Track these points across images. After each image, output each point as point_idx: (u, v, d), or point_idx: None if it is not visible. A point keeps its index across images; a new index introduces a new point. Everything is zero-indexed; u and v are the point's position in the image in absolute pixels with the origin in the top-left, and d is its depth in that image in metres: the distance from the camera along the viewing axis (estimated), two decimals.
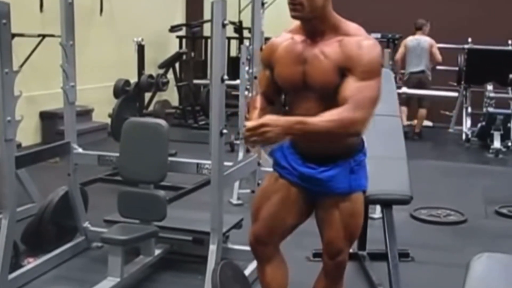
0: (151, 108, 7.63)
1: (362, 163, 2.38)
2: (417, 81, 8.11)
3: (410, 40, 8.26)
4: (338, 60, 2.17)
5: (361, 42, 2.17)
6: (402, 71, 8.19)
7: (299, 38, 2.29)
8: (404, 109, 8.06)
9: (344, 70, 2.16)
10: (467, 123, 8.16)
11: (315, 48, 2.23)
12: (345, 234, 2.38)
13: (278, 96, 2.47)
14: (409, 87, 8.05)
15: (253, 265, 3.24)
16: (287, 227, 2.46)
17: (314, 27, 2.24)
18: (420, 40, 8.20)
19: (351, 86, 2.15)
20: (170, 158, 3.38)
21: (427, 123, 8.83)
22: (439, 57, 8.15)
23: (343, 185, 2.32)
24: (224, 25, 2.94)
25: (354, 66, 2.15)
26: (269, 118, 2.15)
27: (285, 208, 2.41)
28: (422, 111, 8.26)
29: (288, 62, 2.29)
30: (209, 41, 3.90)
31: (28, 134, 6.43)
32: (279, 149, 2.45)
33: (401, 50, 8.32)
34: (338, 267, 2.47)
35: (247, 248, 2.56)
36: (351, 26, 2.24)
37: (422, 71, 8.15)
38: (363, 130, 2.20)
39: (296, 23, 2.30)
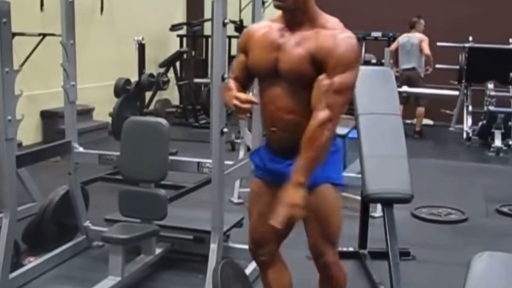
0: (151, 107, 7.61)
1: (332, 156, 2.31)
2: (407, 78, 8.09)
3: (402, 37, 8.30)
4: (312, 50, 2.18)
5: (336, 35, 2.18)
6: (396, 69, 8.17)
7: (277, 26, 2.30)
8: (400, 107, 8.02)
9: (316, 62, 2.17)
10: (468, 121, 8.15)
11: (291, 37, 2.25)
12: (321, 232, 2.34)
13: (249, 83, 2.47)
14: (401, 84, 8.03)
15: (254, 264, 3.24)
16: (278, 229, 2.43)
17: (294, 18, 2.25)
18: (411, 37, 8.23)
19: (321, 87, 2.15)
20: (170, 157, 3.38)
21: (427, 121, 8.82)
22: (427, 51, 8.12)
23: None
24: (224, 24, 2.94)
25: (327, 59, 2.15)
26: (294, 199, 2.14)
27: (270, 210, 2.37)
28: (420, 110, 8.26)
29: (263, 48, 2.29)
30: (209, 40, 3.90)
31: (28, 133, 6.43)
32: (257, 152, 2.47)
33: (394, 45, 8.32)
34: (325, 268, 2.43)
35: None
36: (330, 20, 2.26)
37: (413, 68, 8.16)
38: (336, 126, 2.20)
39: (279, 12, 2.31)
